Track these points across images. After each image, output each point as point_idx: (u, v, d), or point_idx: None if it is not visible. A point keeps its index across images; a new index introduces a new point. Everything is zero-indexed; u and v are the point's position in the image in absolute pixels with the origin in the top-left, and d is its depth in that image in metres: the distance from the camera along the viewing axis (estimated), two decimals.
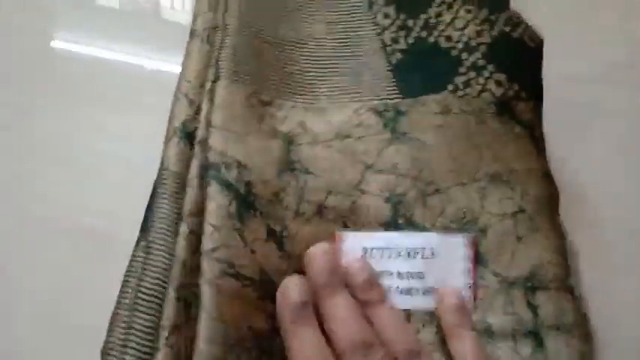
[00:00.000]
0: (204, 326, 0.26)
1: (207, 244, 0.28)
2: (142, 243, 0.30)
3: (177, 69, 0.36)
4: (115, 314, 0.29)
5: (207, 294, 0.27)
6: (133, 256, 0.30)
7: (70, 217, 0.33)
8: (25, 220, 0.34)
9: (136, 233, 0.31)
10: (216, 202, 0.29)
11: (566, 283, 0.30)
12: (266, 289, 0.29)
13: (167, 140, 0.33)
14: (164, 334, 0.27)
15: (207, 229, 0.29)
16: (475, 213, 0.31)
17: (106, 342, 0.29)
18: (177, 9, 0.41)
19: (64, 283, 0.32)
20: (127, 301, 0.29)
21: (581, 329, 0.29)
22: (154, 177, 0.32)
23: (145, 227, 0.31)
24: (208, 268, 0.28)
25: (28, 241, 0.33)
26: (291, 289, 0.28)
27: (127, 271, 0.30)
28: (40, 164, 0.35)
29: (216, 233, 0.29)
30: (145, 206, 0.32)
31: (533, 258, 0.30)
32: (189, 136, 0.32)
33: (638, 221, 0.32)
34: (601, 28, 0.38)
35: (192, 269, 0.28)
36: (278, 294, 0.28)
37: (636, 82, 0.36)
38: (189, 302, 0.28)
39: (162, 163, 0.32)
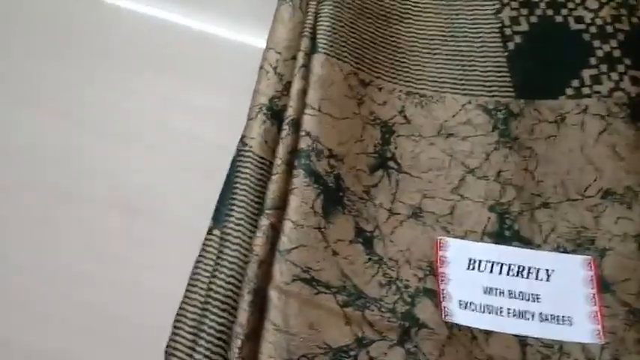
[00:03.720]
0: (267, 338, 0.24)
1: (283, 243, 0.26)
2: (216, 232, 0.27)
3: (240, 36, 0.32)
4: (182, 310, 0.26)
5: (273, 301, 0.25)
6: (205, 246, 0.27)
7: (121, 196, 0.31)
8: (75, 197, 0.31)
9: (197, 219, 0.28)
10: (301, 195, 0.26)
11: None
12: (349, 295, 0.26)
13: (250, 118, 0.29)
14: (237, 342, 0.24)
15: (287, 225, 0.26)
16: (591, 232, 0.27)
17: (172, 340, 0.26)
18: None
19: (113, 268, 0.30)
20: (196, 297, 0.26)
21: None
22: (224, 158, 0.29)
23: (219, 215, 0.28)
24: (279, 271, 0.25)
25: (78, 220, 0.31)
26: None
27: (197, 263, 0.27)
28: (89, 137, 0.33)
29: (295, 231, 0.26)
30: (219, 190, 0.28)
31: None
32: (276, 115, 0.29)
33: None
34: None
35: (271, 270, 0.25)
36: None
37: None
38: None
39: (242, 143, 0.29)
